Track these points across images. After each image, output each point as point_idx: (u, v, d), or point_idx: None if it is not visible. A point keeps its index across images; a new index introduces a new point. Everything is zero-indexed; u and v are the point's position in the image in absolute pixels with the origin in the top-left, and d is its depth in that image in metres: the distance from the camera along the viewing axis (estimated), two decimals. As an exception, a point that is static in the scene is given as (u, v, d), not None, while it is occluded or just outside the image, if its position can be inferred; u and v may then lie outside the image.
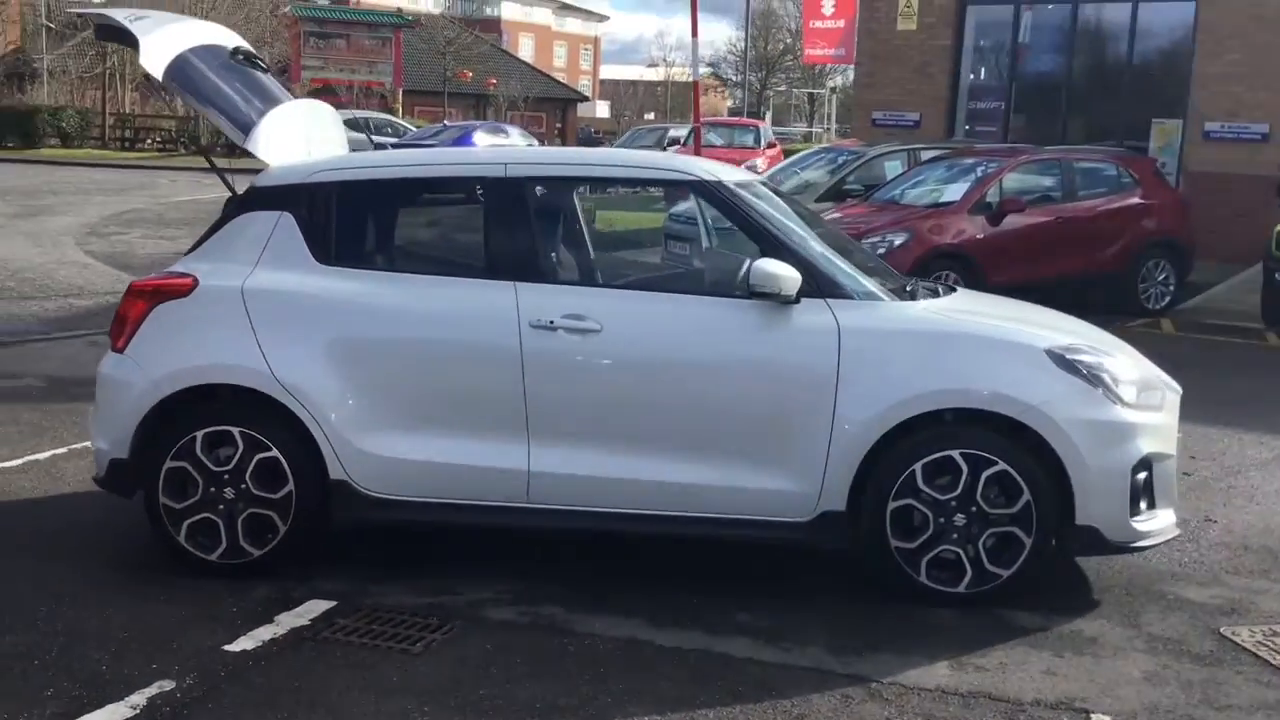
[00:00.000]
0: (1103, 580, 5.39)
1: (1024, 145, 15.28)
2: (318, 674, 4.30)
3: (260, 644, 4.52)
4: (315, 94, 39.29)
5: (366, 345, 5.11)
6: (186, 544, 5.12)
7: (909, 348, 4.99)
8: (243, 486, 5.07)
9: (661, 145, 28.80)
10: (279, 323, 5.13)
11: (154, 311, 5.21)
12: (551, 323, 5.01)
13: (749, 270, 4.93)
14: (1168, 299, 13.60)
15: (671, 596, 5.05)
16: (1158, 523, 5.13)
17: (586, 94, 76.26)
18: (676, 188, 6.07)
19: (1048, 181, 13.43)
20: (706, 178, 5.34)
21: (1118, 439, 4.95)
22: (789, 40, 65.55)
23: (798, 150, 22.75)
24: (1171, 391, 5.36)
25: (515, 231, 5.23)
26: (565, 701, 4.15)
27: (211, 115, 5.51)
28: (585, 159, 6.32)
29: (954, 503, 4.91)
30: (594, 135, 58.31)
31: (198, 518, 5.10)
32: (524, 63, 64.24)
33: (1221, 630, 4.88)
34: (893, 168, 15.03)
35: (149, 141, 41.27)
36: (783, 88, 72.42)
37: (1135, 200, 13.50)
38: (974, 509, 4.91)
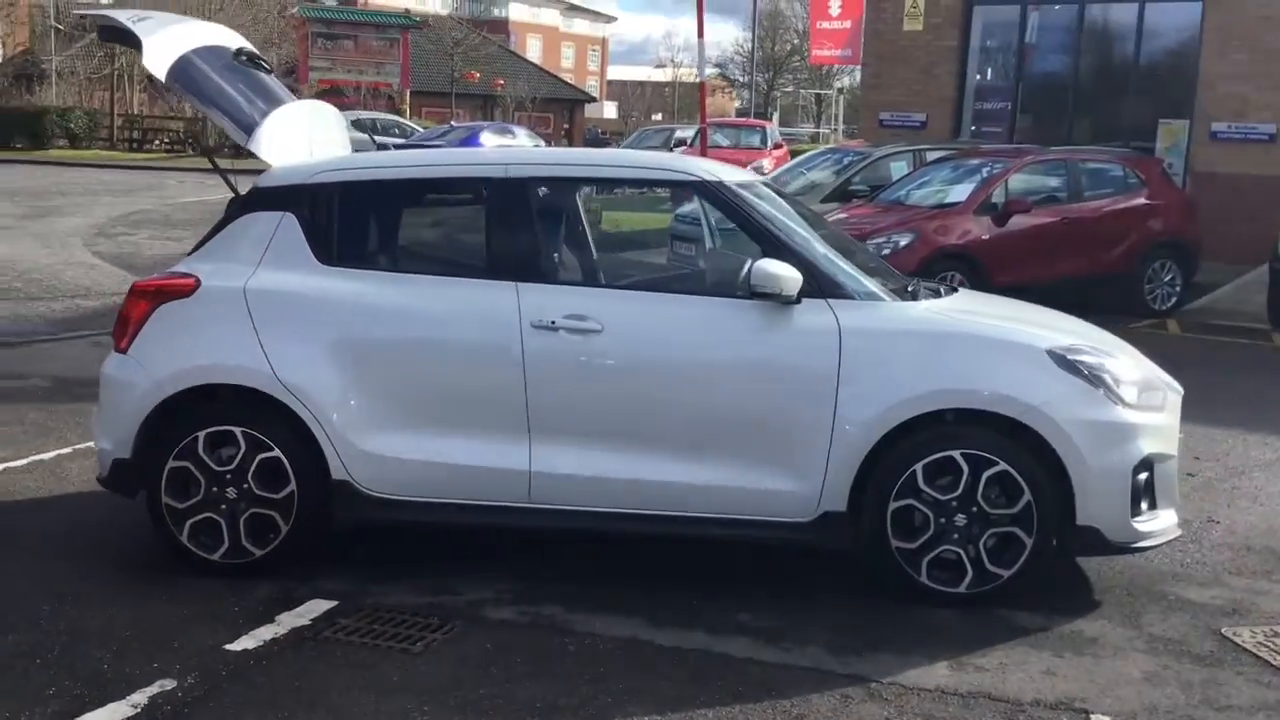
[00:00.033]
0: (1104, 580, 5.39)
1: (1029, 146, 15.27)
2: (318, 673, 4.31)
3: (261, 643, 4.54)
4: (323, 95, 39.39)
5: (368, 345, 5.12)
6: (189, 543, 5.14)
7: (910, 348, 4.99)
8: (245, 486, 5.09)
9: (668, 146, 28.80)
10: (281, 323, 5.14)
11: (157, 312, 5.23)
12: (553, 323, 5.02)
13: (750, 270, 4.94)
14: (1174, 300, 13.56)
15: (672, 596, 5.06)
16: (1159, 523, 5.13)
17: (594, 95, 76.34)
18: (678, 188, 6.06)
19: (1053, 182, 13.42)
20: (708, 178, 5.35)
21: (1119, 439, 4.95)
22: (796, 41, 65.56)
23: (804, 151, 22.72)
24: (1173, 392, 5.36)
25: (517, 232, 5.24)
26: (565, 701, 4.16)
27: (214, 116, 5.53)
28: (586, 159, 6.34)
29: (955, 503, 4.91)
30: (601, 136, 58.34)
31: (200, 517, 5.12)
32: (531, 63, 64.30)
33: (1222, 631, 4.88)
34: (898, 168, 15.02)
35: (157, 143, 41.33)
36: (790, 88, 72.42)
37: (1141, 201, 13.47)
38: (975, 509, 4.91)
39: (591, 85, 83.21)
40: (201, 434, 5.09)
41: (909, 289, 5.45)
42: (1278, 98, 16.71)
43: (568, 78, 71.16)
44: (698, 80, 15.68)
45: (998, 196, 12.65)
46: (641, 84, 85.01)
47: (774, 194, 5.78)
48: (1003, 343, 5.08)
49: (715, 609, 4.94)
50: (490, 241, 5.30)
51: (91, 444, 5.79)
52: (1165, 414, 5.23)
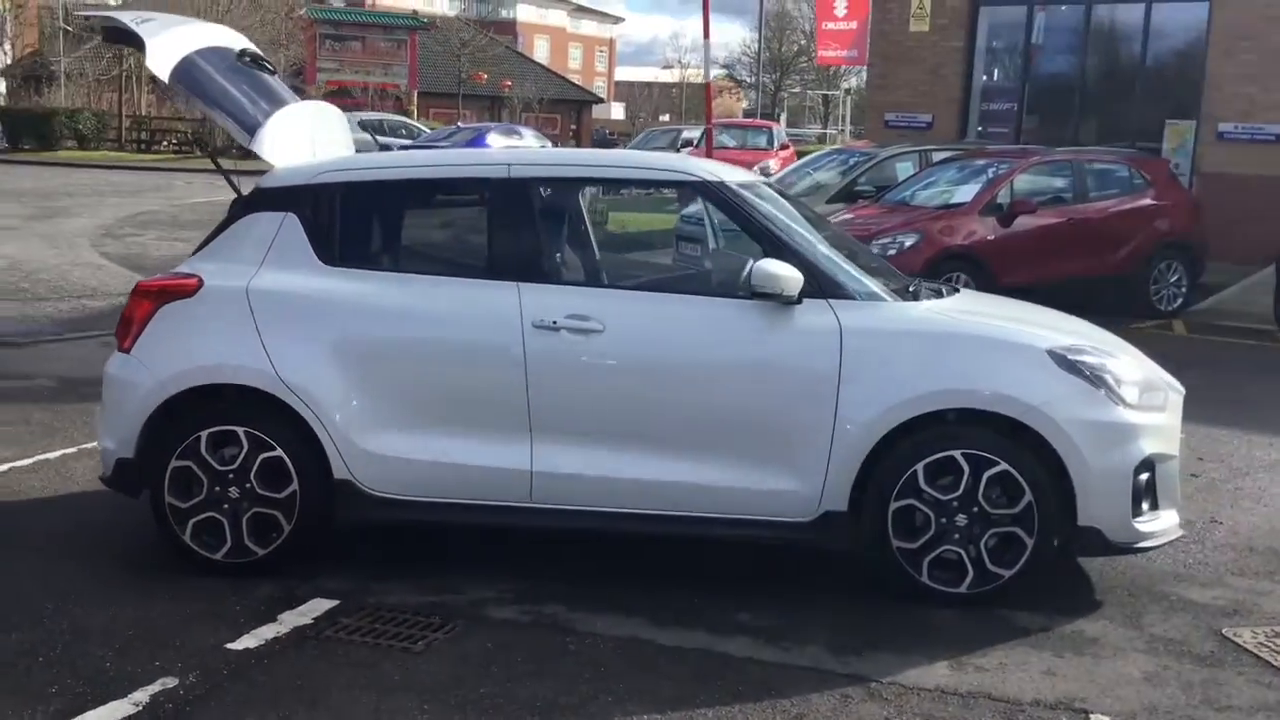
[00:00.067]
0: (1105, 581, 5.39)
1: (1035, 146, 15.26)
2: (320, 672, 4.33)
3: (263, 642, 4.55)
4: (330, 96, 39.47)
5: (370, 345, 5.14)
6: (192, 543, 5.16)
7: (911, 348, 5.00)
8: (247, 486, 5.10)
9: (675, 147, 28.78)
10: (283, 323, 5.16)
11: (160, 312, 5.25)
12: (554, 323, 5.03)
13: (751, 271, 4.95)
14: (1180, 301, 13.54)
15: (673, 596, 5.06)
16: (1160, 524, 5.12)
17: (601, 96, 76.36)
18: (679, 189, 6.07)
19: (1059, 183, 13.40)
20: (709, 178, 5.36)
21: (1119, 440, 4.94)
22: (803, 42, 65.52)
23: (811, 152, 22.72)
24: (1174, 392, 5.36)
25: (518, 232, 5.25)
26: (566, 700, 4.17)
27: (218, 117, 5.54)
28: (588, 160, 6.34)
29: (956, 503, 4.91)
30: (609, 137, 58.35)
31: (203, 517, 5.13)
32: (539, 64, 64.36)
33: (1223, 631, 4.87)
34: (904, 169, 15.03)
35: (165, 144, 41.45)
36: (797, 89, 72.37)
37: (1147, 201, 13.45)
38: (976, 509, 4.91)
39: (599, 86, 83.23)
40: (204, 433, 5.11)
41: (910, 289, 5.45)
42: (1284, 98, 16.70)
43: (575, 79, 71.20)
44: (704, 81, 15.68)
45: (1003, 197, 12.65)
46: (649, 85, 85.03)
47: (776, 194, 5.78)
48: (1003, 343, 5.08)
49: (716, 609, 4.95)
50: (492, 242, 5.31)
51: (96, 444, 5.81)
52: (1167, 414, 5.22)
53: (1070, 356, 5.00)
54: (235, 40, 5.95)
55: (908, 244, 11.93)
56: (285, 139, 5.57)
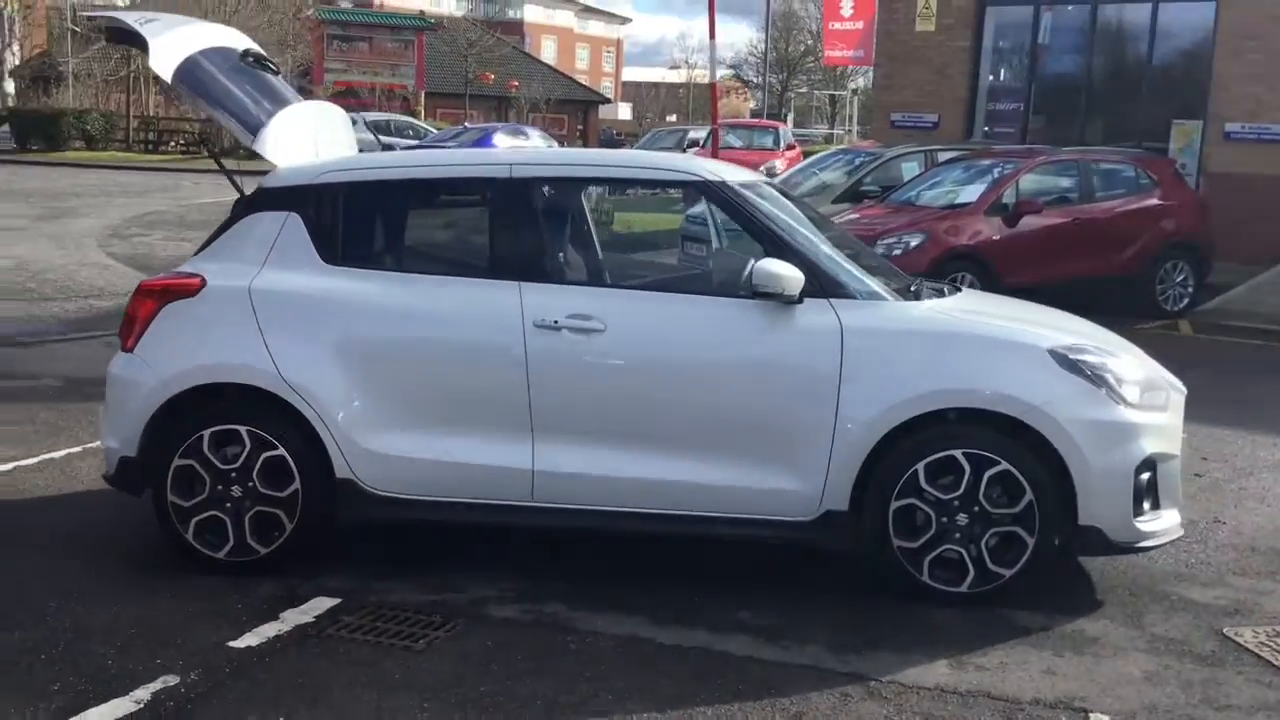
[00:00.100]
0: (1107, 580, 5.39)
1: (1041, 146, 15.23)
2: (321, 670, 4.34)
3: (265, 640, 4.57)
4: (338, 96, 39.52)
5: (372, 345, 5.15)
6: (194, 541, 5.18)
7: (912, 347, 5.00)
8: (250, 485, 5.12)
9: (681, 147, 28.80)
10: (285, 322, 5.17)
11: (162, 311, 5.27)
12: (555, 322, 5.04)
13: (752, 270, 4.95)
14: (1186, 301, 13.52)
15: (673, 595, 5.07)
16: (1162, 523, 5.12)
17: (609, 96, 76.38)
18: (681, 188, 6.07)
19: (1065, 183, 13.39)
20: (710, 178, 5.36)
21: (1121, 439, 4.94)
22: (810, 42, 65.52)
23: (818, 152, 22.71)
24: (1176, 392, 5.35)
25: (520, 232, 5.27)
26: (566, 699, 4.18)
27: (220, 117, 5.56)
28: (590, 160, 6.35)
29: (956, 502, 4.92)
30: (616, 137, 58.41)
31: (205, 515, 5.15)
32: (546, 65, 64.40)
33: (1224, 631, 4.87)
34: (910, 169, 15.02)
35: (172, 144, 41.51)
36: (804, 89, 72.33)
37: (1153, 201, 13.43)
38: (976, 509, 4.92)
39: (606, 87, 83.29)
40: (207, 432, 5.13)
41: (912, 289, 5.46)
42: (1292, 98, 16.66)
43: (582, 79, 71.24)
44: (710, 81, 15.68)
45: (1008, 197, 12.63)
46: (656, 85, 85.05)
47: (778, 194, 5.79)
48: (1005, 342, 5.08)
49: (716, 607, 4.96)
50: (494, 241, 5.32)
51: (100, 443, 5.82)
52: (1168, 414, 5.22)
53: (1071, 356, 5.00)
54: (238, 40, 5.97)
55: (913, 244, 11.93)
56: (288, 139, 5.59)
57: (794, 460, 4.98)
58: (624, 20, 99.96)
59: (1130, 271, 13.07)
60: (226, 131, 5.68)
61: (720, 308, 5.13)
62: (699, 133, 30.47)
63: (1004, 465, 4.89)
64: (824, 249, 5.31)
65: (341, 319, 5.17)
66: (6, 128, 40.04)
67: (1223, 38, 17.18)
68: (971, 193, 12.95)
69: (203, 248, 5.54)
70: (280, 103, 5.75)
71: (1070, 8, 19.40)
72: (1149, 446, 5.01)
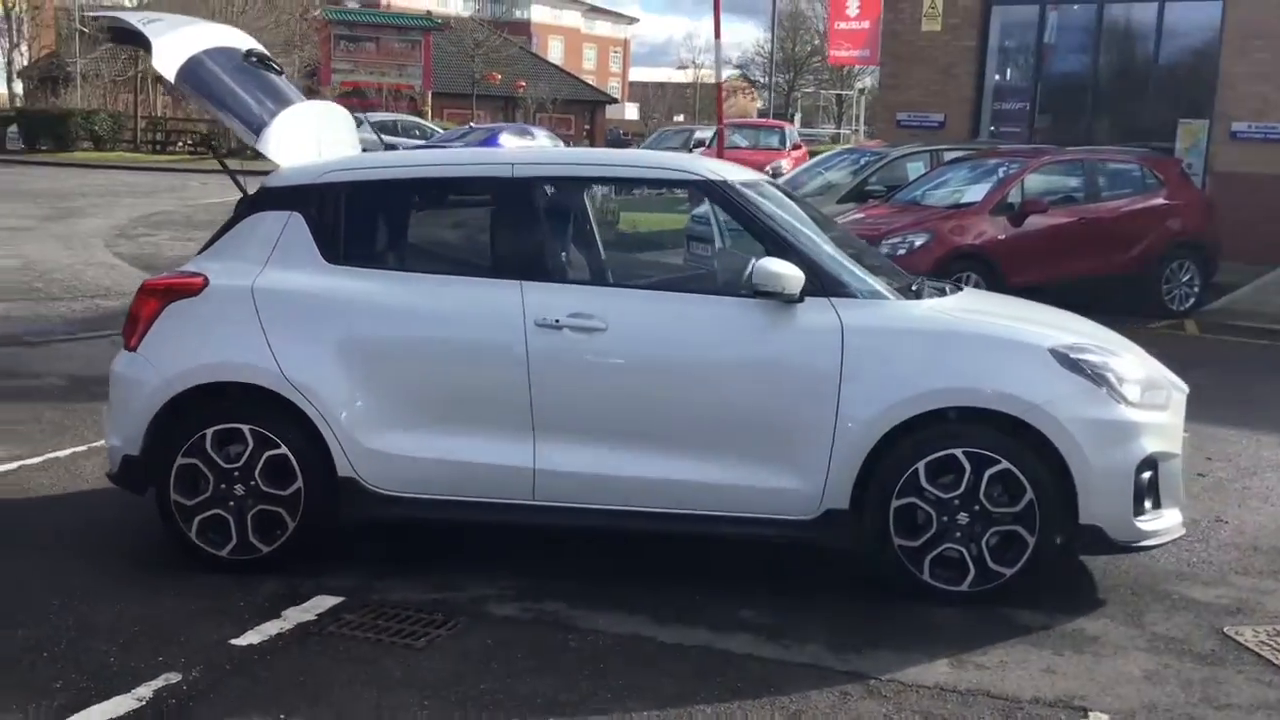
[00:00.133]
0: (1108, 579, 5.39)
1: (1047, 146, 15.23)
2: (322, 668, 4.36)
3: (266, 638, 4.58)
4: (345, 96, 39.57)
5: (374, 344, 5.16)
6: (197, 540, 5.19)
7: (912, 346, 5.00)
8: (252, 483, 5.14)
9: (688, 147, 28.81)
10: (288, 321, 5.19)
11: (166, 310, 5.29)
12: (557, 321, 5.05)
13: (752, 269, 4.96)
14: (1192, 300, 13.49)
15: (675, 593, 5.08)
16: (1163, 522, 5.12)
17: (615, 96, 76.39)
18: (682, 188, 6.08)
19: (1070, 182, 13.38)
20: (711, 177, 5.37)
21: (1121, 438, 4.94)
22: (817, 41, 65.44)
23: (824, 152, 22.70)
24: (1177, 391, 5.35)
25: (522, 231, 5.28)
26: (565, 697, 4.19)
27: (223, 117, 5.58)
28: (592, 159, 6.36)
29: (957, 501, 4.92)
30: (622, 137, 58.40)
31: (208, 514, 5.17)
32: (553, 65, 64.43)
33: (1225, 630, 4.87)
34: (915, 169, 15.01)
35: (180, 144, 41.64)
36: (811, 89, 72.27)
37: (1159, 201, 13.41)
38: (977, 508, 4.92)
39: (613, 87, 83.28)
40: (210, 431, 5.15)
41: (913, 288, 5.46)
42: (1299, 97, 16.63)
43: (589, 79, 71.25)
44: (715, 81, 15.69)
45: (1014, 197, 12.62)
46: (663, 85, 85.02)
47: (780, 194, 5.80)
48: (1005, 341, 5.09)
49: (718, 606, 4.96)
50: (496, 240, 5.34)
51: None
52: (1169, 413, 5.21)
53: (1072, 355, 5.00)
54: (242, 40, 5.98)
55: (918, 243, 11.93)
56: (291, 138, 5.61)
57: (795, 459, 4.98)
58: (631, 20, 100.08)
59: (1136, 271, 13.05)
60: (233, 132, 5.70)
61: (721, 307, 5.13)
62: (705, 132, 30.48)
63: (1005, 464, 4.89)
64: (825, 248, 5.32)
65: (343, 318, 5.18)
66: (15, 128, 40.17)
67: (1229, 37, 17.15)
68: (977, 192, 12.94)
69: (206, 247, 5.56)
70: (283, 102, 5.77)
71: (1076, 7, 19.38)
72: (1150, 445, 5.00)
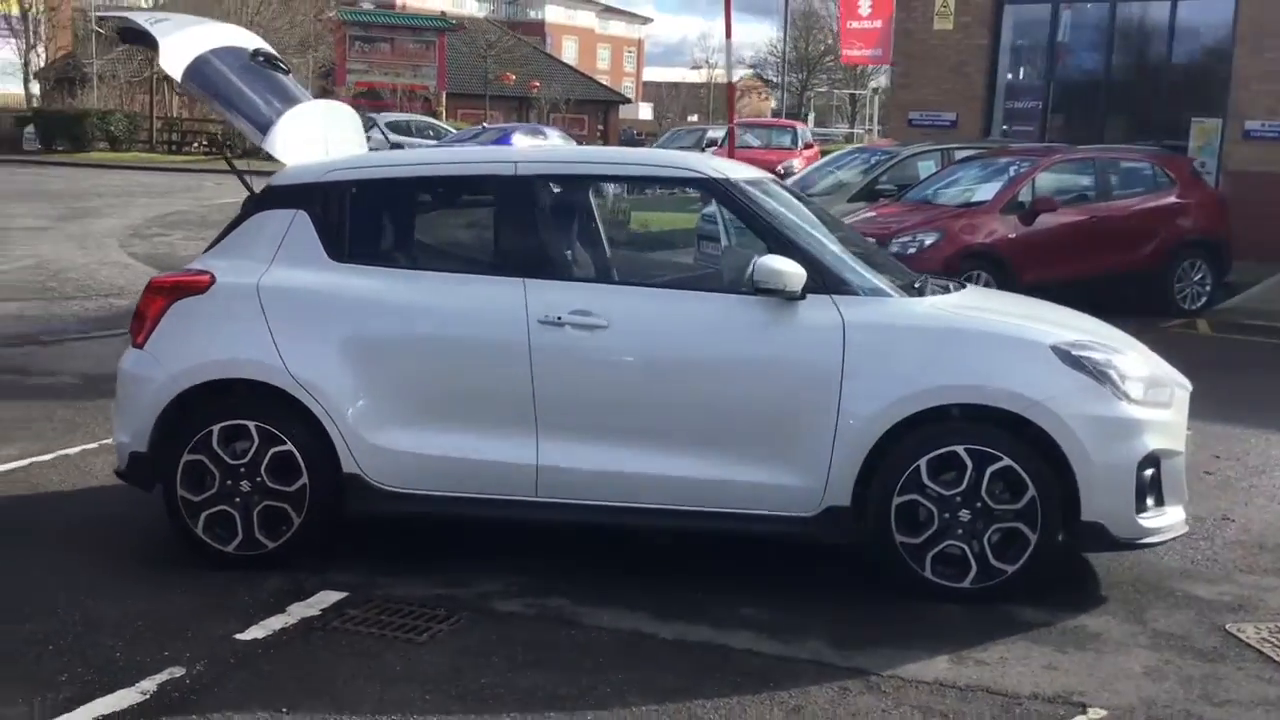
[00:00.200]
0: (1112, 576, 5.39)
1: (1058, 145, 15.19)
2: (324, 662, 4.39)
3: (270, 633, 4.62)
4: (359, 97, 39.70)
5: (378, 341, 5.19)
6: (204, 535, 5.23)
7: (914, 343, 5.01)
8: (258, 479, 5.17)
9: (700, 146, 28.80)
10: (293, 319, 5.23)
11: (172, 308, 5.33)
12: (559, 319, 5.07)
13: (754, 267, 4.97)
14: (1204, 299, 13.44)
15: (678, 590, 5.10)
16: (1165, 519, 5.11)
17: (629, 96, 76.41)
18: (685, 186, 6.10)
19: (1082, 181, 13.34)
20: (714, 175, 5.39)
21: (1124, 435, 4.94)
22: (830, 41, 65.31)
23: (836, 151, 22.69)
24: (1180, 388, 5.34)
25: (525, 229, 5.31)
26: (565, 691, 4.21)
27: (230, 116, 5.62)
28: (595, 157, 6.40)
29: (959, 498, 4.92)
30: (636, 137, 58.44)
31: (214, 510, 5.20)
32: (566, 65, 64.49)
33: (1227, 627, 4.86)
34: (926, 167, 15.00)
35: (195, 145, 41.82)
36: (824, 88, 72.16)
37: (1171, 199, 13.36)
38: (979, 505, 4.92)
39: (627, 87, 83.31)
40: (216, 428, 5.18)
41: (916, 285, 5.47)
42: (1312, 95, 16.55)
43: (603, 79, 71.31)
44: (726, 81, 15.70)
45: (1024, 195, 12.60)
46: (677, 85, 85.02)
47: (783, 192, 5.81)
48: (1007, 338, 5.09)
49: (720, 602, 4.98)
50: (499, 238, 5.37)
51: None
52: (1172, 410, 5.21)
53: (1074, 352, 5.00)
54: (249, 40, 6.02)
55: (928, 242, 11.92)
56: (297, 137, 5.64)
57: (797, 456, 5.00)
58: (645, 20, 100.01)
59: (1148, 270, 13.00)
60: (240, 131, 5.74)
61: (723, 304, 5.15)
62: (717, 132, 30.46)
63: (1006, 461, 4.89)
64: (827, 245, 5.33)
65: (348, 315, 5.22)
66: (31, 129, 40.39)
67: (1243, 35, 17.08)
68: (987, 191, 12.93)
69: (212, 245, 5.61)
70: (290, 101, 5.80)
71: (1089, 5, 19.33)
72: (1152, 443, 5.00)
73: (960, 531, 4.94)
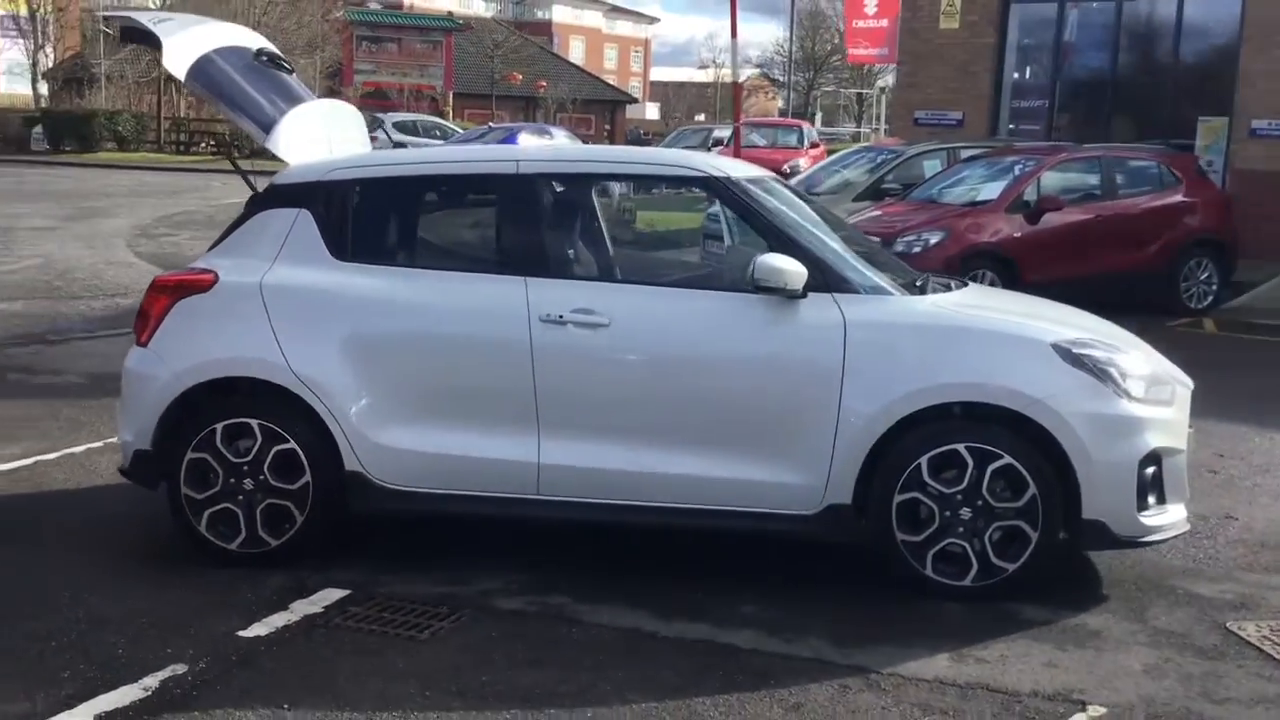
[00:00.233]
0: (1113, 574, 5.39)
1: (1064, 144, 15.18)
2: (326, 659, 4.41)
3: (273, 630, 4.63)
4: (366, 97, 39.76)
5: (381, 339, 5.21)
6: (207, 533, 5.25)
7: (915, 342, 5.01)
8: (261, 478, 5.19)
9: (706, 146, 28.81)
10: (296, 317, 5.25)
11: (176, 306, 5.36)
12: (561, 317, 5.09)
13: (755, 265, 4.98)
14: (1210, 298, 13.43)
15: (679, 588, 5.10)
16: (1167, 518, 5.11)
17: (636, 96, 76.43)
18: (685, 184, 6.11)
19: (1088, 180, 13.34)
20: (715, 174, 5.40)
21: (1125, 433, 4.94)
22: (837, 40, 65.26)
23: (842, 150, 22.68)
24: (1182, 386, 5.34)
25: (527, 227, 5.32)
26: (565, 688, 4.22)
27: (234, 116, 5.64)
28: (596, 156, 6.41)
29: (960, 496, 4.92)
30: (643, 136, 58.42)
31: (218, 508, 5.22)
32: (573, 65, 64.56)
33: (1228, 625, 4.86)
34: (931, 166, 15.00)
35: (203, 145, 41.90)
36: (831, 88, 72.11)
37: (1177, 198, 13.36)
38: (980, 503, 4.92)
39: (634, 86, 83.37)
40: (219, 426, 5.20)
41: (917, 283, 5.47)
42: (1319, 94, 16.51)
43: (610, 79, 71.36)
44: (732, 80, 15.72)
45: (1030, 194, 12.59)
46: (683, 85, 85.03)
47: (785, 190, 5.82)
48: (1008, 336, 5.09)
49: (721, 600, 4.99)
50: (501, 237, 5.39)
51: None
52: (1174, 408, 5.20)
53: (1075, 350, 5.00)
54: (252, 40, 6.05)
55: (933, 241, 11.93)
56: (300, 137, 5.66)
57: (798, 454, 5.00)
58: (652, 20, 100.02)
59: (1153, 269, 13.00)
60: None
61: (724, 302, 5.16)
62: (724, 131, 30.50)
63: (1007, 459, 4.89)
64: (828, 244, 5.34)
65: (351, 314, 5.24)
66: (40, 129, 40.52)
67: (1249, 33, 17.05)
68: (993, 190, 12.93)
69: (216, 244, 5.63)
70: (293, 101, 5.83)
71: (1095, 4, 19.32)
72: (1154, 441, 5.00)
73: (961, 529, 4.94)
